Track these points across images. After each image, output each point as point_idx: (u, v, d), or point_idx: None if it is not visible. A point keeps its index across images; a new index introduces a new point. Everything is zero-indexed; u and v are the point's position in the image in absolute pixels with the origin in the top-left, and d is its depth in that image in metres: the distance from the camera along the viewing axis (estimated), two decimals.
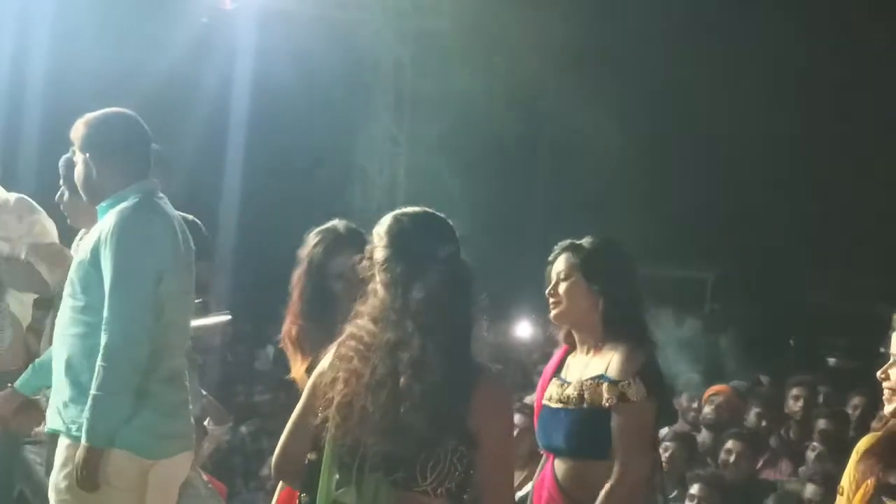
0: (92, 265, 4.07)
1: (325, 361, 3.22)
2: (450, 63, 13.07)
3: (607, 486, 4.08)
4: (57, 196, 4.99)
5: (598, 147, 13.61)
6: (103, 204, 4.20)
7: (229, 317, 6.05)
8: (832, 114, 13.68)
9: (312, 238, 4.12)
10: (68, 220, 5.07)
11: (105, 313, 3.98)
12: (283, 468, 3.32)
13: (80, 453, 3.92)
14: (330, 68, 11.81)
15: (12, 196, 5.46)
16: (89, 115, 4.30)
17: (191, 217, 6.28)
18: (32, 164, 9.04)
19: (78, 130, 4.28)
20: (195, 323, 5.84)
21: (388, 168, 14.19)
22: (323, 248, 4.05)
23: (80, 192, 4.34)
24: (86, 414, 3.92)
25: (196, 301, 5.79)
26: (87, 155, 4.23)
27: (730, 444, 6.66)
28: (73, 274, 4.16)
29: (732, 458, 6.58)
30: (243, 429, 8.40)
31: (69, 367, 4.08)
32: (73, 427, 4.01)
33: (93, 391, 3.92)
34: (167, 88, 10.88)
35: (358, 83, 13.62)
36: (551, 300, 4.34)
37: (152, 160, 4.34)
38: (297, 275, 4.08)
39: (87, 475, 3.91)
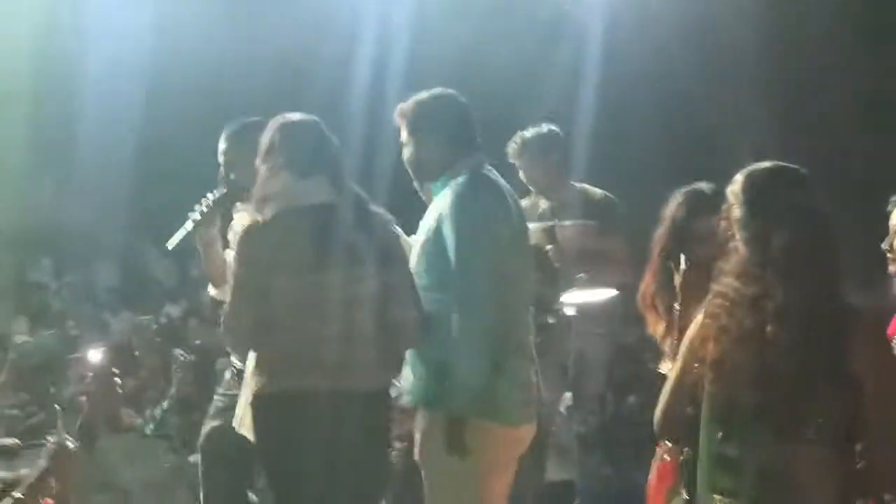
0: (434, 244, 4.21)
1: (696, 321, 3.31)
2: None
3: None
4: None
5: None
6: (437, 183, 4.34)
7: (616, 292, 6.08)
8: None
9: (676, 198, 4.07)
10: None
11: (454, 290, 4.11)
12: (665, 425, 3.43)
13: (447, 423, 4.10)
14: (687, 48, 11.62)
15: None
16: (417, 97, 4.44)
17: (601, 192, 6.43)
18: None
19: (405, 112, 4.42)
20: (581, 297, 5.96)
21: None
22: (686, 209, 3.99)
23: (410, 171, 4.46)
24: (448, 387, 4.08)
25: (581, 275, 5.92)
26: (418, 135, 4.38)
27: None
28: (418, 251, 4.30)
29: None
30: (631, 399, 8.46)
31: (424, 342, 4.23)
32: (435, 399, 4.18)
33: (452, 364, 4.07)
34: (520, 72, 11.11)
35: (721, 64, 13.24)
36: (888, 255, 4.14)
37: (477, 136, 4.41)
38: (659, 234, 4.04)
39: (456, 443, 4.09)
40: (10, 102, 10.78)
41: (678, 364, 3.37)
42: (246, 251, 4.17)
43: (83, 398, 6.81)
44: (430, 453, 4.21)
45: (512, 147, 6.30)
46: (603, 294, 5.99)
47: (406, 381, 4.33)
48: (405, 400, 4.39)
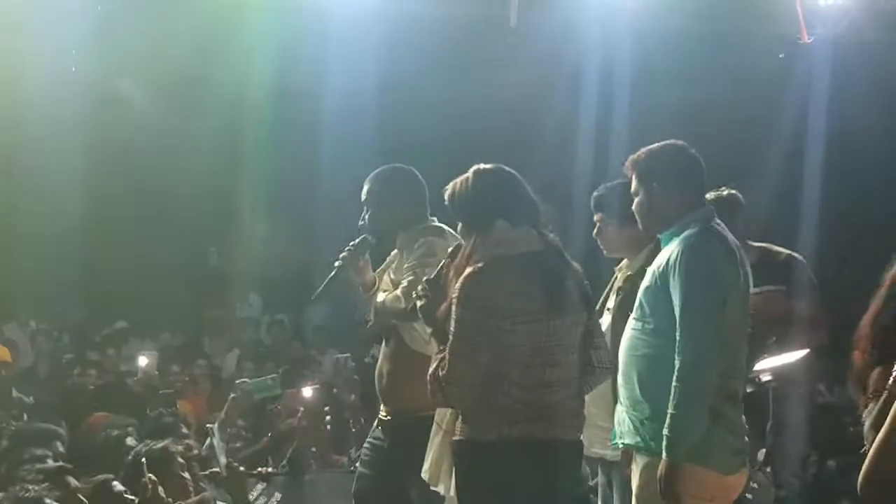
0: (660, 290, 4.26)
1: None
2: None
3: None
4: (595, 231, 5.11)
5: None
6: (667, 232, 4.39)
7: (808, 351, 6.01)
8: None
9: None
10: (604, 251, 5.16)
11: (677, 337, 4.15)
12: (870, 491, 3.30)
13: (661, 468, 4.14)
14: None
15: None
16: (648, 148, 4.49)
17: (786, 252, 6.36)
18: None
19: (638, 162, 4.48)
20: (774, 362, 5.91)
21: None
22: None
23: (639, 221, 4.52)
24: (665, 431, 4.12)
25: (772, 339, 5.86)
26: (649, 185, 4.43)
27: None
28: (641, 298, 4.36)
29: None
30: (831, 463, 8.32)
31: (642, 387, 4.29)
32: (654, 444, 4.21)
33: (670, 410, 4.11)
34: (746, 126, 11.04)
35: None
36: None
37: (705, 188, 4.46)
38: (875, 300, 3.69)
39: (670, 489, 4.12)
40: (237, 152, 11.35)
41: (889, 424, 3.26)
42: (473, 296, 4.10)
43: (294, 431, 7.12)
44: (650, 499, 4.24)
45: None
46: (795, 356, 5.92)
47: (623, 424, 4.38)
48: (623, 444, 4.42)
